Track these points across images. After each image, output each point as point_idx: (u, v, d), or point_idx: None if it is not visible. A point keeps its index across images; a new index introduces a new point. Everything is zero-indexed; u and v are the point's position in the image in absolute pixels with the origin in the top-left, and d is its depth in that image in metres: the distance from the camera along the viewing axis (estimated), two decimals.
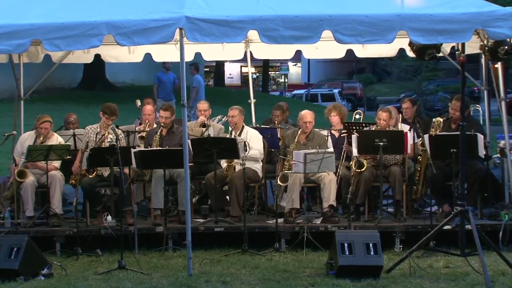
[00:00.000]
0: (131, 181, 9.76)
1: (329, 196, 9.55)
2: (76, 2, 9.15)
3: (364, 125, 10.30)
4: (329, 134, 10.34)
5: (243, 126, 10.29)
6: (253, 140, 10.08)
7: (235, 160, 9.82)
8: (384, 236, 8.45)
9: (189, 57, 11.08)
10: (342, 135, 10.36)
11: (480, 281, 7.64)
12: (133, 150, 9.63)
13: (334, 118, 10.67)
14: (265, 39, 8.42)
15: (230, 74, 52.81)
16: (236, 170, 9.87)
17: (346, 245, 7.89)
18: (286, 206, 9.66)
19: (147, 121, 10.93)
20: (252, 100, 12.13)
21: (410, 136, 10.05)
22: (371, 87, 46.87)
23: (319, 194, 9.87)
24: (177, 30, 8.31)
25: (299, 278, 7.94)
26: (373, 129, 10.01)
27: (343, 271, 7.81)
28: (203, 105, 10.97)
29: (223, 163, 10.11)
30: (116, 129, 9.56)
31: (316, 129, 10.20)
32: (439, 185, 9.57)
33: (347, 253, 7.86)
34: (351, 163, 9.79)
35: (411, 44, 8.88)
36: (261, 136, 10.24)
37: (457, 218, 8.27)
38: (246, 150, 9.53)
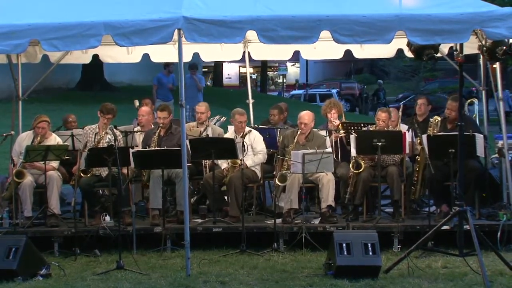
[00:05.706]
0: (129, 181, 9.75)
1: (328, 196, 9.55)
2: (74, 2, 9.13)
3: (362, 125, 10.30)
4: (326, 132, 10.31)
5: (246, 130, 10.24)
6: (257, 142, 10.09)
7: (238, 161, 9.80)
8: (382, 236, 8.46)
9: (187, 57, 11.07)
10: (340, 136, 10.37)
11: (478, 281, 7.65)
12: (131, 150, 9.63)
13: (334, 115, 10.65)
14: (263, 39, 8.42)
15: (228, 74, 52.80)
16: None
17: (344, 245, 7.89)
18: (284, 206, 9.66)
19: (141, 122, 10.92)
20: (251, 101, 12.11)
21: (408, 135, 10.04)
22: (370, 87, 46.78)
23: (318, 194, 9.86)
24: (176, 31, 8.31)
25: (297, 278, 7.94)
26: (372, 129, 10.02)
27: (341, 271, 7.80)
28: (200, 107, 10.92)
29: (222, 164, 10.11)
30: (115, 130, 9.56)
31: (315, 130, 10.20)
32: (437, 185, 9.57)
33: (345, 253, 7.86)
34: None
35: (409, 44, 8.90)
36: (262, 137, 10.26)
37: (455, 218, 8.27)
38: (244, 151, 9.53)
